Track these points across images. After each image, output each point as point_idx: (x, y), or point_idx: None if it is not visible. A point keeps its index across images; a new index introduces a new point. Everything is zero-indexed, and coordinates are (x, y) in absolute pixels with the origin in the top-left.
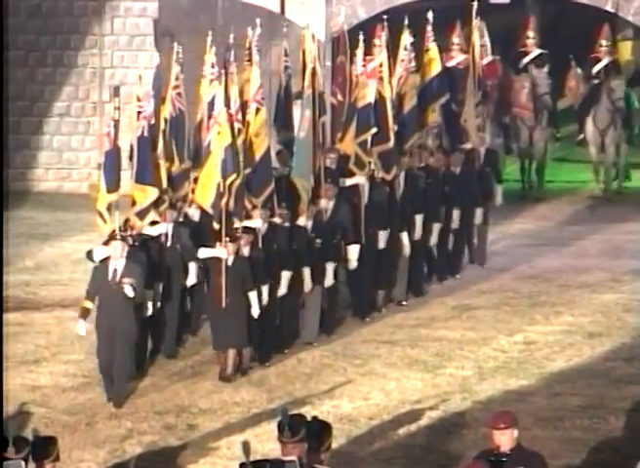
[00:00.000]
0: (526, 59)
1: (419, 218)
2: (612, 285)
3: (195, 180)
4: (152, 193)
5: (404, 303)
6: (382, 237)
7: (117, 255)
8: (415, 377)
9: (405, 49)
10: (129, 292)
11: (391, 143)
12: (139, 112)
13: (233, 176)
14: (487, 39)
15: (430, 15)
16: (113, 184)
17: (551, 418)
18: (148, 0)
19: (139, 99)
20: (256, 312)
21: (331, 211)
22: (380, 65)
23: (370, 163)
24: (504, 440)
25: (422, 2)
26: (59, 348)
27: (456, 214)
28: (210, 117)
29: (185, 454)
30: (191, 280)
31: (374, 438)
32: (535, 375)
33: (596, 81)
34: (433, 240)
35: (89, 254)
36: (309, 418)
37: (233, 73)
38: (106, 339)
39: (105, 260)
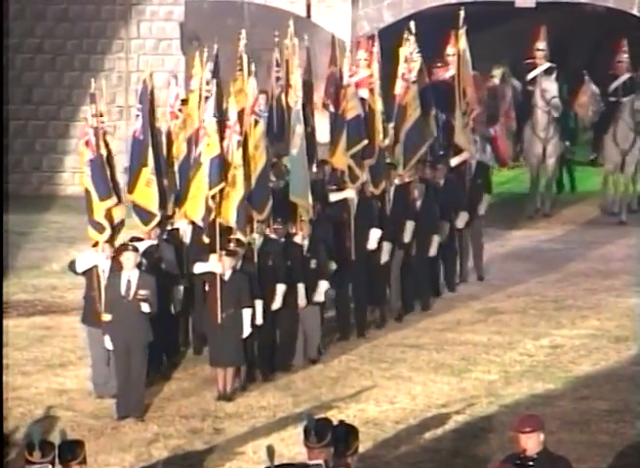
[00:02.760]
0: (535, 72)
1: (408, 230)
2: (638, 289)
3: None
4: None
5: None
6: (373, 237)
7: (130, 267)
8: (441, 381)
9: (405, 61)
10: (145, 308)
11: (375, 159)
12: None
13: (219, 186)
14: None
15: (413, 24)
16: (105, 192)
17: (577, 422)
18: (175, 4)
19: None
20: (246, 332)
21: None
22: (371, 76)
23: (362, 176)
24: (530, 443)
25: (450, 6)
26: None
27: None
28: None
29: (211, 458)
30: (177, 306)
31: (400, 442)
32: (561, 379)
33: (613, 99)
34: (432, 251)
35: (71, 266)
36: (336, 422)
37: (214, 86)
38: (122, 355)
39: (118, 272)
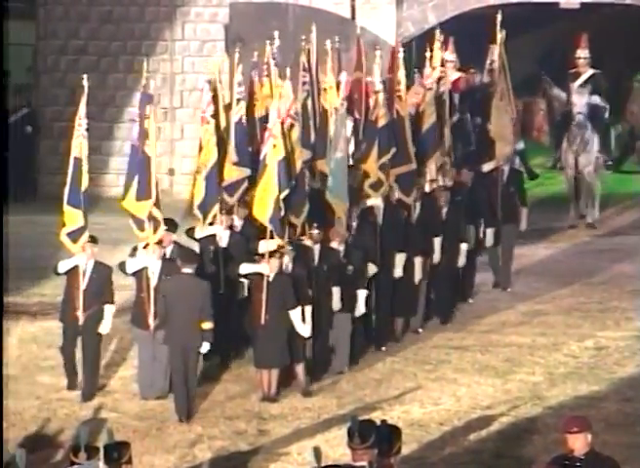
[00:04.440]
0: (579, 81)
1: (437, 241)
2: None
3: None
4: (145, 207)
5: (420, 331)
6: (399, 261)
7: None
8: (485, 383)
9: (433, 66)
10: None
11: (414, 165)
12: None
13: (287, 191)
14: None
15: (438, 31)
16: (145, 192)
17: (622, 424)
18: (219, 6)
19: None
20: (302, 331)
21: (354, 233)
22: (399, 83)
23: (386, 185)
24: (578, 444)
25: (491, 8)
26: (129, 353)
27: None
28: (264, 129)
29: (256, 460)
30: None
31: (444, 443)
32: (605, 381)
33: None
34: (461, 261)
35: (121, 267)
36: (378, 422)
37: (258, 92)
38: (180, 356)
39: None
